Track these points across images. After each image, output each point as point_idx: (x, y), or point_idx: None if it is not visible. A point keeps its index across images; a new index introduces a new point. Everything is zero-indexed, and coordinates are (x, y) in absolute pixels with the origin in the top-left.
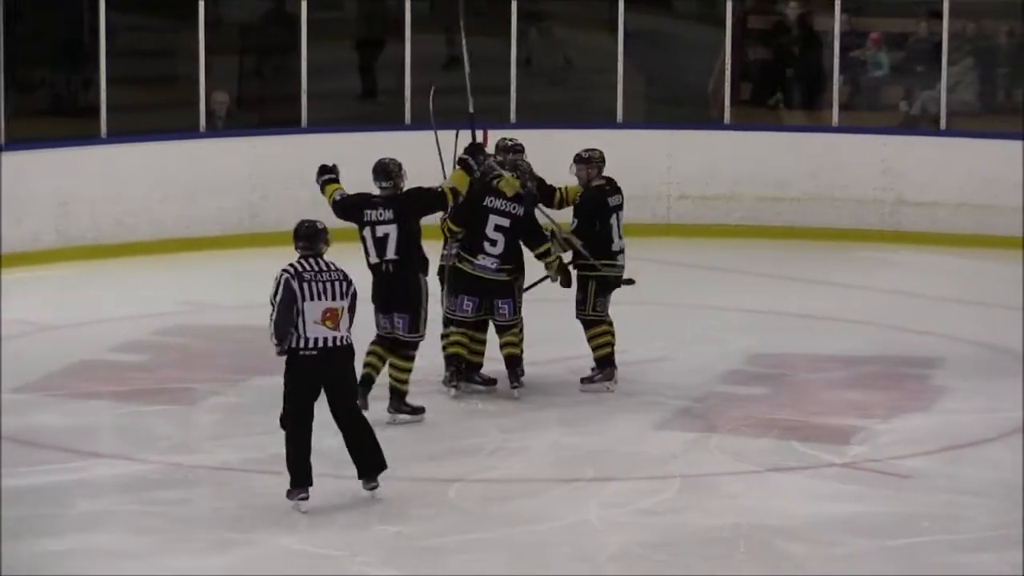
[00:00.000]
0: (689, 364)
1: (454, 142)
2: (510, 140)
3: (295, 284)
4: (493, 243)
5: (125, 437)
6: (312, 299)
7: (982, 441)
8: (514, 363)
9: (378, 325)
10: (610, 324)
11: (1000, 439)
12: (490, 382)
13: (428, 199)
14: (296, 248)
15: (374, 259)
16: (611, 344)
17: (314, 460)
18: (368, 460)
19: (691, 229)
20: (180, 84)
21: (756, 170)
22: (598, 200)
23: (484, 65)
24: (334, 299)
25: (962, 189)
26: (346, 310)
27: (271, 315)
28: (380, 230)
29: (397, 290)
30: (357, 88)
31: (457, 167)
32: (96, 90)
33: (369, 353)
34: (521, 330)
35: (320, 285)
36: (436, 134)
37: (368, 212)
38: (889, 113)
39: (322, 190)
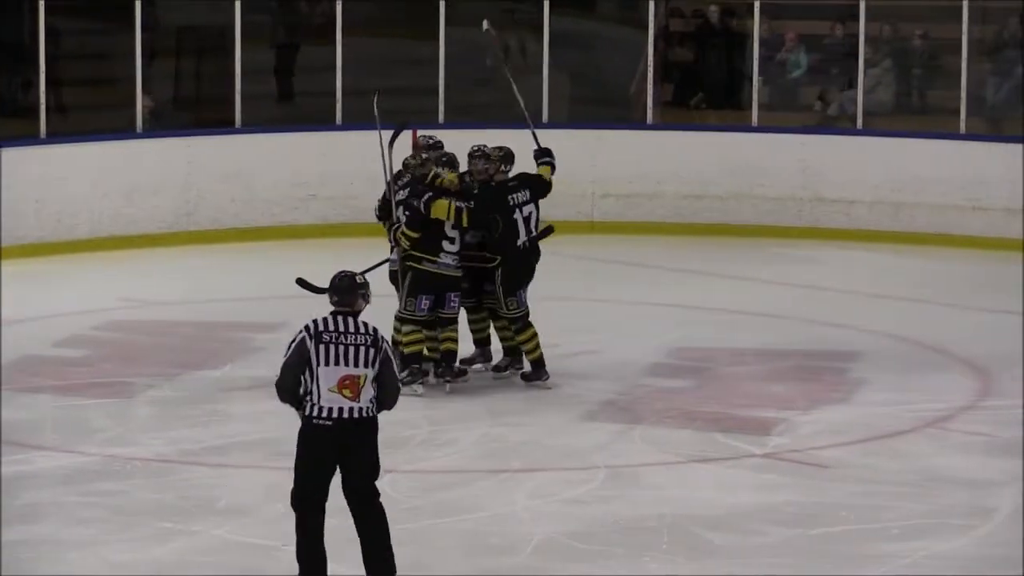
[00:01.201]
0: (614, 358)
1: (381, 141)
2: (430, 138)
3: (310, 344)
4: (452, 240)
5: (65, 430)
6: (328, 364)
7: (899, 432)
8: (451, 358)
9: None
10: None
11: (916, 431)
12: (460, 373)
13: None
14: (330, 302)
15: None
16: (538, 347)
17: (248, 451)
18: (379, 567)
19: (616, 226)
20: (118, 85)
21: (678, 169)
22: (497, 195)
23: (413, 67)
24: (356, 366)
25: (878, 187)
26: (370, 380)
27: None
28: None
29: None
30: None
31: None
32: (36, 91)
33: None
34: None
35: (341, 348)
36: (380, 135)
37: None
38: (807, 113)
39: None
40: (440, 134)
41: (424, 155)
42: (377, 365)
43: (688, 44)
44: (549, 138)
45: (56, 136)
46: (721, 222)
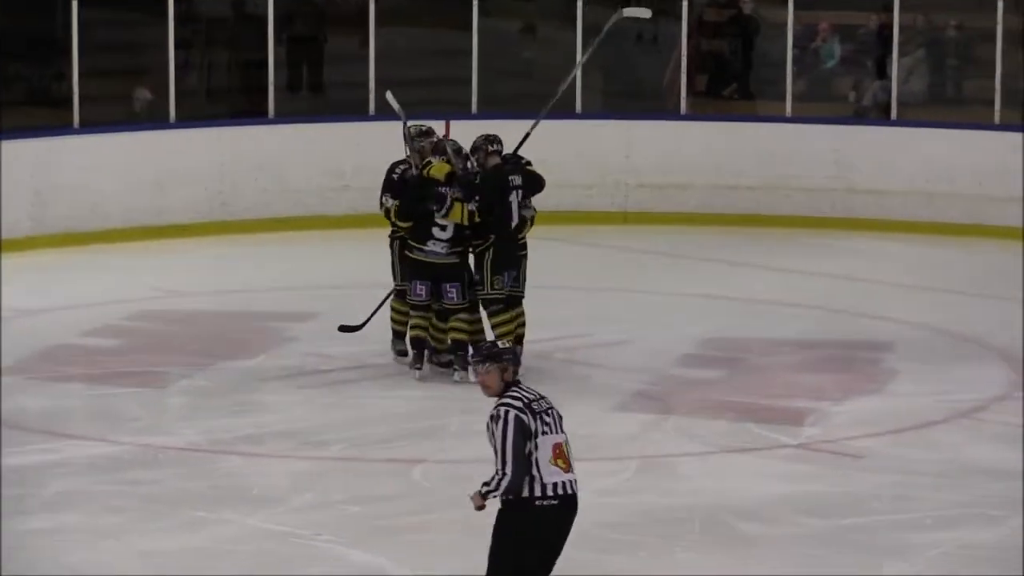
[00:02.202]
0: (646, 348)
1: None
2: (422, 126)
3: (527, 417)
4: (443, 228)
5: (97, 419)
6: (543, 433)
7: (931, 423)
8: (459, 348)
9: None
10: (509, 309)
11: (949, 421)
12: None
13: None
14: (512, 374)
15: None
16: (511, 333)
17: (280, 440)
18: None
19: (648, 217)
20: (151, 76)
21: (711, 159)
22: (499, 179)
23: (446, 57)
24: (558, 432)
25: (912, 177)
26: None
27: (503, 459)
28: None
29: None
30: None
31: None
32: (69, 82)
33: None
34: (486, 313)
35: (544, 416)
36: (405, 124)
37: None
38: (840, 104)
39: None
40: (473, 125)
41: (423, 143)
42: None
43: (722, 35)
44: (583, 129)
45: (89, 126)
46: (754, 213)
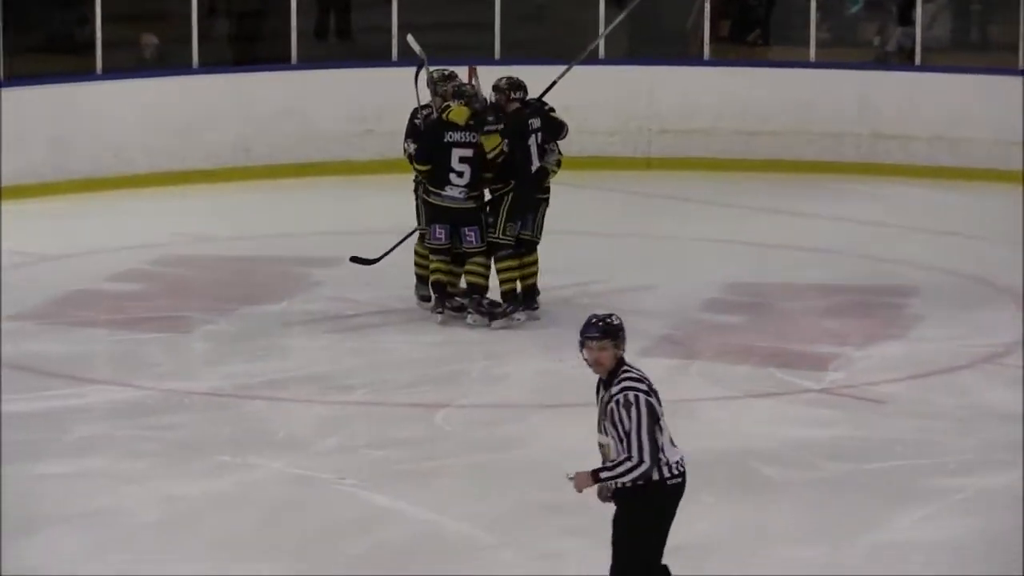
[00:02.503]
0: (670, 293)
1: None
2: (445, 70)
3: (654, 400)
4: (460, 174)
5: (121, 364)
6: (663, 415)
7: (954, 368)
8: (475, 291)
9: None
10: (520, 256)
11: (971, 366)
12: (459, 308)
13: None
14: (622, 352)
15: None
16: (514, 280)
17: (303, 385)
18: None
19: (672, 162)
20: (173, 20)
21: (735, 105)
22: (517, 122)
23: (468, 3)
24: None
25: (936, 123)
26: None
27: (638, 445)
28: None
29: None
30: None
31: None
32: (91, 28)
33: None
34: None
35: (658, 395)
36: (427, 68)
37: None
38: (864, 49)
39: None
40: (496, 69)
41: (446, 87)
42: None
43: None
44: (607, 75)
45: (112, 72)
46: (778, 158)
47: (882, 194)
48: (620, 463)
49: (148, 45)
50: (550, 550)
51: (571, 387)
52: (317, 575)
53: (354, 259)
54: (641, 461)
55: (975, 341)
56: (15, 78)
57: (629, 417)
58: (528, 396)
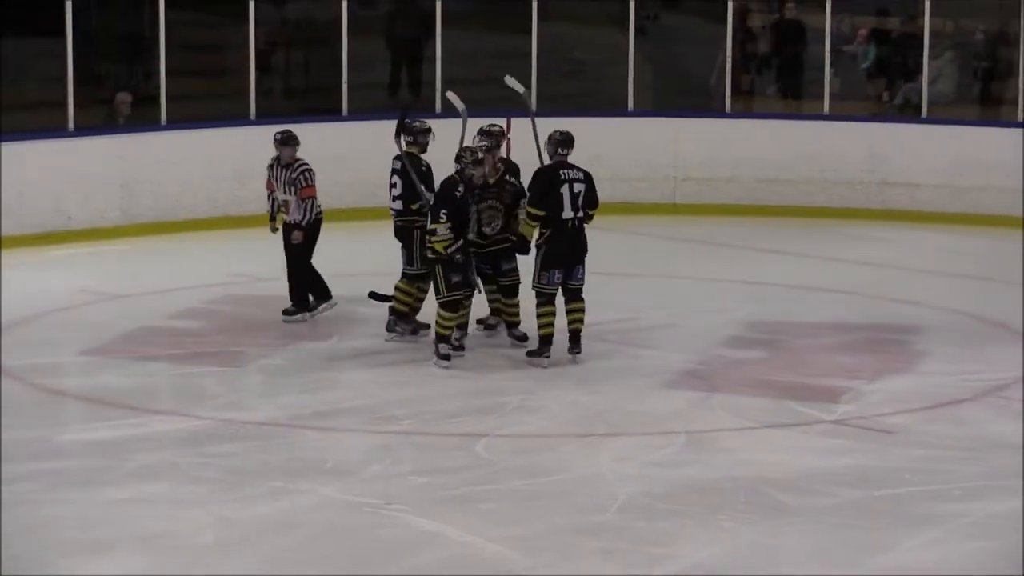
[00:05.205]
0: (693, 330)
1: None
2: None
3: None
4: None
5: (181, 396)
6: None
7: (959, 401)
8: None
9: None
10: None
11: (976, 399)
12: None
13: None
14: None
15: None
16: (551, 325)
17: (352, 416)
18: None
19: (695, 208)
20: (231, 76)
21: (754, 154)
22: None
23: (506, 59)
24: None
25: (941, 171)
26: None
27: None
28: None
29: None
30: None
31: None
32: (156, 81)
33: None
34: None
35: None
36: (466, 120)
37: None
38: (874, 103)
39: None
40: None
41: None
42: None
43: (764, 38)
44: (634, 125)
45: (175, 123)
46: (794, 204)
47: (891, 238)
48: None
49: (123, 103)
50: (583, 571)
51: (600, 418)
52: None
53: (372, 295)
54: None
55: (979, 375)
56: (84, 128)
57: None
58: (563, 426)
